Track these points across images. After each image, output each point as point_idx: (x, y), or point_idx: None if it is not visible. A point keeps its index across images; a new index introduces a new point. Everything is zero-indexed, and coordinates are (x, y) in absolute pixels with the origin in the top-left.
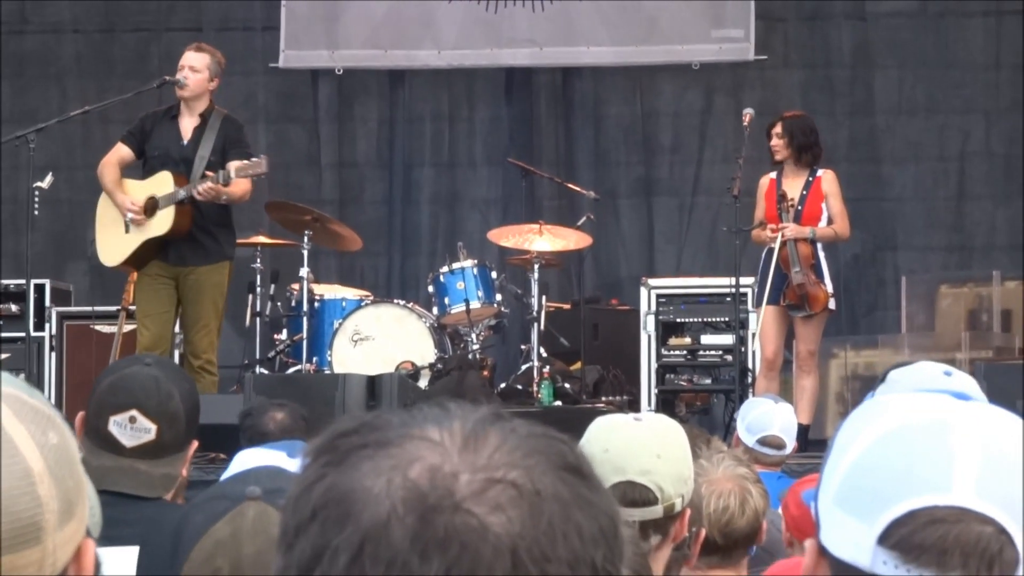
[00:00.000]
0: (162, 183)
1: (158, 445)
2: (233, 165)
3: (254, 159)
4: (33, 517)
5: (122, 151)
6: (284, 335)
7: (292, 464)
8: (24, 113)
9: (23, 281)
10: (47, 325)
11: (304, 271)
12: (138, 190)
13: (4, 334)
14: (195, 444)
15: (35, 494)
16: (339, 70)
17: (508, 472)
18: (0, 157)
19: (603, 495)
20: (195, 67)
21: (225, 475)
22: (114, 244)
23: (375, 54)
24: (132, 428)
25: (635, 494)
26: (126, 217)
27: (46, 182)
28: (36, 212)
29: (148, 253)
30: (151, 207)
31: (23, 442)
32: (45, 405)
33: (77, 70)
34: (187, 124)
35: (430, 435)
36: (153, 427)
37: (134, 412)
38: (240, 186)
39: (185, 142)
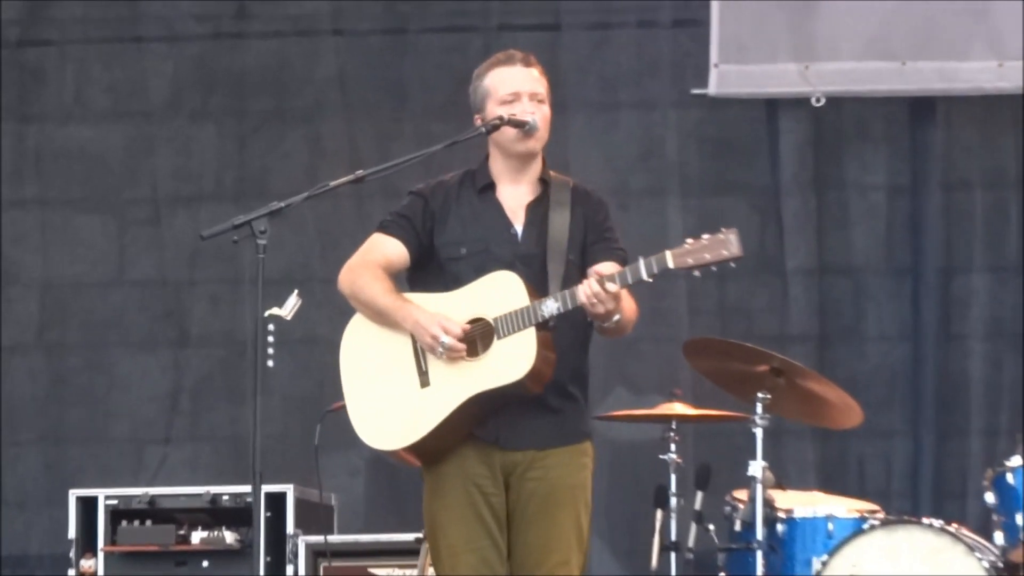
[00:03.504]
0: (498, 291)
1: None
2: (673, 253)
3: (708, 236)
4: None
5: (388, 247)
6: None
7: None
8: (248, 180)
9: (246, 489)
10: (290, 567)
11: (757, 466)
12: (443, 307)
13: None
14: None
15: None
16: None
17: None
18: (198, 262)
19: None
20: (539, 95)
21: None
22: (398, 409)
23: None
24: None
25: None
26: (436, 350)
27: (288, 307)
28: (271, 363)
29: (460, 426)
30: (480, 337)
31: None
32: None
33: (339, 104)
34: (514, 197)
35: None
36: None
37: None
38: (631, 303)
39: (518, 229)
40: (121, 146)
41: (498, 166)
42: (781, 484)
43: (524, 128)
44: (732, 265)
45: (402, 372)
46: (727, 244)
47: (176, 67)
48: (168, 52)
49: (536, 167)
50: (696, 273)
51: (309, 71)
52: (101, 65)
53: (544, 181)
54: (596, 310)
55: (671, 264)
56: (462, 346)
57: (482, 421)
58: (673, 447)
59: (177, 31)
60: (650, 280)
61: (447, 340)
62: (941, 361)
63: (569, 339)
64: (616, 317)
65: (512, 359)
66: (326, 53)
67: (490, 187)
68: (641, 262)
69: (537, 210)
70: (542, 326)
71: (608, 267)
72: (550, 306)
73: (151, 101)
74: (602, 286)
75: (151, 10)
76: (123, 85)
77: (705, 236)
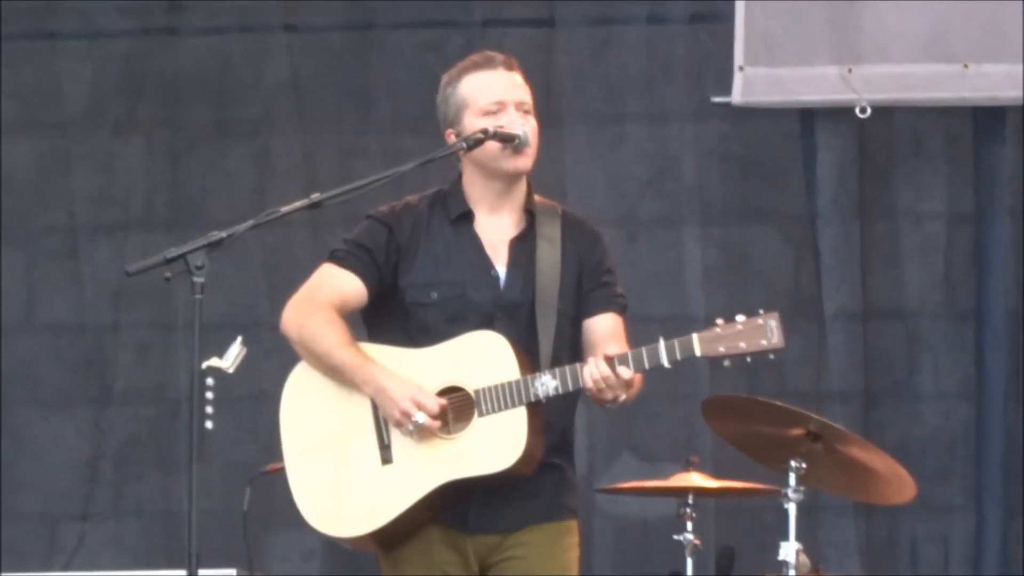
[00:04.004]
0: (482, 356)
1: None
2: (701, 338)
3: (744, 320)
4: None
5: (343, 283)
6: None
7: None
8: (183, 205)
9: (181, 574)
10: None
11: (789, 548)
12: (411, 367)
13: None
14: None
15: None
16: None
17: None
18: (123, 304)
19: None
20: (525, 104)
21: None
22: (354, 489)
23: None
24: None
25: None
26: (406, 427)
27: (230, 358)
28: (209, 424)
29: (427, 513)
30: (456, 409)
31: None
32: None
33: (292, 114)
34: (495, 231)
35: None
36: None
37: None
38: (639, 380)
39: (501, 271)
40: (31, 164)
41: (476, 191)
42: (818, 570)
43: (514, 143)
44: (771, 357)
45: (359, 443)
46: (766, 332)
47: (97, 69)
48: (87, 51)
49: (520, 193)
50: (726, 363)
51: (256, 75)
52: (7, 67)
53: (530, 212)
54: (603, 396)
55: (698, 351)
56: (438, 425)
57: (451, 505)
58: (690, 525)
59: (98, 26)
60: (669, 366)
61: (421, 419)
62: (1010, 423)
63: (555, 404)
64: (621, 399)
65: (497, 444)
66: (277, 53)
67: (466, 216)
68: (662, 345)
69: (522, 247)
70: (535, 405)
71: (607, 323)
72: (547, 384)
73: (67, 110)
74: (612, 369)
75: (67, 1)
76: (33, 91)
77: (740, 319)
